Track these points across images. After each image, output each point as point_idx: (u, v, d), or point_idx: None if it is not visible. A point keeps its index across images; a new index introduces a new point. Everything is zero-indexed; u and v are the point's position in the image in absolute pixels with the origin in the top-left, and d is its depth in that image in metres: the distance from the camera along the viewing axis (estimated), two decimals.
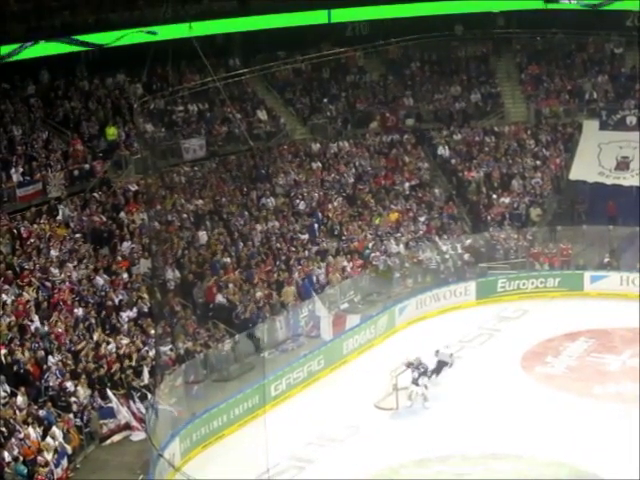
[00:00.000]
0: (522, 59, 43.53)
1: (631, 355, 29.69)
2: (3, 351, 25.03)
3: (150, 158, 32.58)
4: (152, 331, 27.69)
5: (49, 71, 36.74)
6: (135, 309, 28.84)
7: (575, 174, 37.87)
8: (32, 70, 35.80)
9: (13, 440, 22.23)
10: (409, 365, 27.10)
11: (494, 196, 38.01)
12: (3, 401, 23.56)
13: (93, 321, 27.62)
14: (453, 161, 39.70)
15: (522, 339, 30.93)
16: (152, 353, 27.10)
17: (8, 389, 23.89)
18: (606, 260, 35.02)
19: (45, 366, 25.26)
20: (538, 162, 39.33)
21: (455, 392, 27.44)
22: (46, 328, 26.50)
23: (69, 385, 25.10)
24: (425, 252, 35.36)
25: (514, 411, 26.28)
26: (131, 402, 25.63)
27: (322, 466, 24.29)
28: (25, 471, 21.50)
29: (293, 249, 33.63)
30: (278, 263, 32.80)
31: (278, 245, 33.59)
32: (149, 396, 25.42)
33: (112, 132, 35.85)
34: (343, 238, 35.02)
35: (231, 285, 30.97)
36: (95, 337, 27.05)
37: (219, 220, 34.05)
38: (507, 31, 42.75)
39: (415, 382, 26.79)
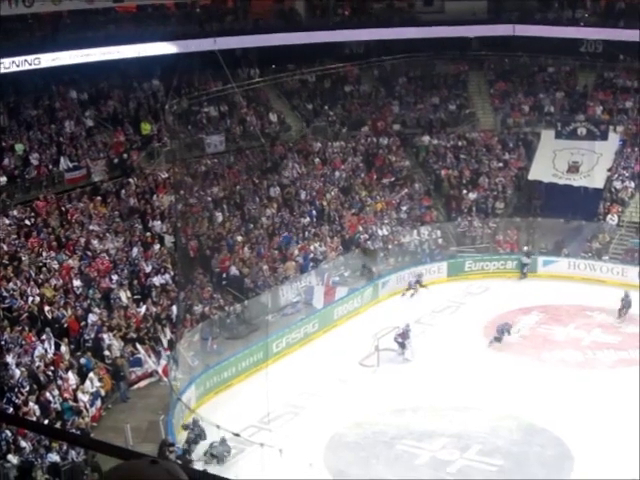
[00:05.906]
0: (492, 77, 43.15)
1: (575, 327, 29.68)
2: (47, 308, 24.95)
3: (178, 150, 32.41)
4: (175, 295, 27.60)
5: None
6: (161, 276, 28.72)
7: (533, 175, 37.62)
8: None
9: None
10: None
11: (464, 191, 37.81)
12: (51, 351, 23.51)
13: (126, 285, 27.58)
14: (431, 161, 39.46)
15: (484, 311, 30.83)
16: (175, 314, 27.04)
17: (53, 341, 23.84)
18: (555, 247, 34.87)
19: (84, 323, 25.18)
20: (502, 164, 39.10)
21: (427, 353, 27.37)
22: (90, 291, 26.41)
23: (105, 338, 25.05)
24: (405, 236, 35.20)
25: (475, 371, 26.24)
26: (155, 354, 25.58)
27: (313, 412, 24.32)
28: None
29: (294, 230, 33.46)
30: (282, 242, 32.64)
31: (282, 227, 33.40)
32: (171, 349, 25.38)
33: (146, 127, 35.60)
34: (336, 222, 34.82)
35: (242, 259, 30.81)
36: (124, 299, 26.99)
37: (234, 204, 33.85)
38: (480, 53, 42.39)
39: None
